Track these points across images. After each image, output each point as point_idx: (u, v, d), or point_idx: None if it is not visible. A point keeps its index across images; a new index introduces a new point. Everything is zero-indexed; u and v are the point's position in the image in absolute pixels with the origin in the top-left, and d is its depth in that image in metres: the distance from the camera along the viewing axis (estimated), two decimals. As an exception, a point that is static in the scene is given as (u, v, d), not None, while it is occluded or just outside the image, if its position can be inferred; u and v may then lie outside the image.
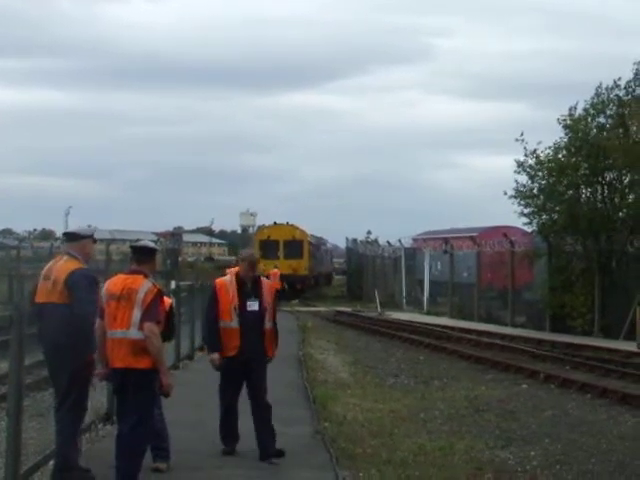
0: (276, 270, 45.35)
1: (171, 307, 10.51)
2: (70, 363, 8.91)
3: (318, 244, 66.53)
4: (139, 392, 8.72)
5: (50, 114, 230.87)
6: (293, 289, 52.26)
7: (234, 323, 10.68)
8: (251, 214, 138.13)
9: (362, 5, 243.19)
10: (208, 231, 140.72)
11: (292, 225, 55.11)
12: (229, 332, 10.72)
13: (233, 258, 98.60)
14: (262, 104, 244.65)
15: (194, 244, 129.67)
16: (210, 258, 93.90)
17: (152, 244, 9.65)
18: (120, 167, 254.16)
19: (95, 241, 10.09)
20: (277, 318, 11.14)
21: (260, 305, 10.77)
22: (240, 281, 10.90)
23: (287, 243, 52.69)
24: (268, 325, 10.82)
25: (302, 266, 52.00)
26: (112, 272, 14.81)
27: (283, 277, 48.10)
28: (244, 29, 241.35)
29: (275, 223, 55.66)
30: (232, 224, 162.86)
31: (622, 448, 13.76)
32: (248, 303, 10.75)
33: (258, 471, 9.70)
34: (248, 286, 10.89)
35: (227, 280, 11.00)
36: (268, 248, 49.15)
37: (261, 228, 57.80)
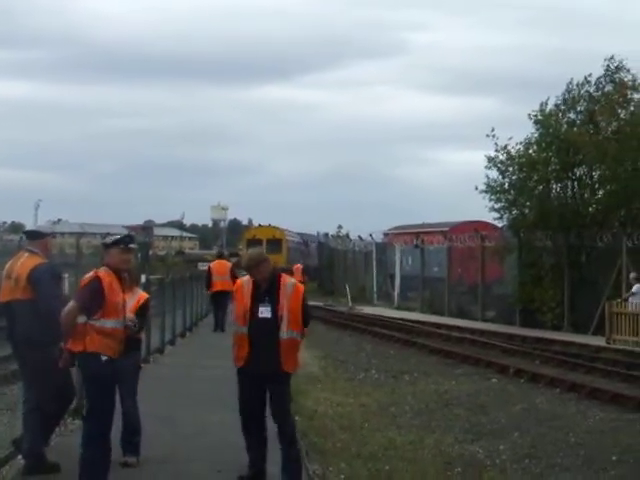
0: (299, 265, 48.88)
1: (146, 301, 10.50)
2: (41, 358, 8.89)
3: (303, 241, 75.03)
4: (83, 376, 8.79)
5: (20, 106, 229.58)
6: None
7: (244, 329, 9.21)
8: (222, 208, 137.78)
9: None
10: (179, 225, 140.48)
11: (273, 226, 66.60)
12: (240, 338, 9.27)
13: (204, 252, 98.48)
14: (235, 97, 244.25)
15: (165, 238, 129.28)
16: (181, 252, 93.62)
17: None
18: (90, 160, 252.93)
19: (54, 237, 10.12)
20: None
21: (274, 311, 9.13)
22: (255, 282, 9.33)
23: (269, 241, 61.30)
24: (285, 335, 9.11)
25: (281, 260, 56.95)
26: (83, 266, 14.71)
27: None
28: (218, 22, 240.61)
29: (260, 225, 67.82)
30: (203, 218, 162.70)
31: (590, 442, 13.85)
32: (260, 309, 9.18)
33: (228, 465, 9.67)
34: (262, 288, 9.25)
35: (244, 281, 9.51)
36: (254, 245, 52.20)
37: (248, 229, 71.14)
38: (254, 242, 56.45)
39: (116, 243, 8.84)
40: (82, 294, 8.55)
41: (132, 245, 8.96)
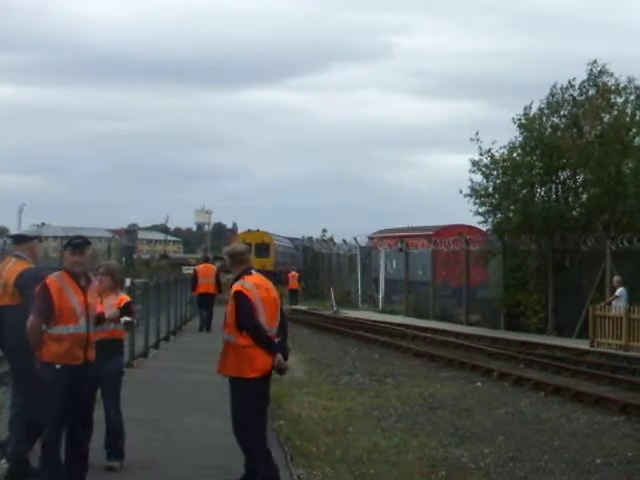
0: (294, 272, 53.67)
1: (127, 304, 10.48)
2: (29, 363, 8.86)
3: (295, 245, 78.29)
4: None
5: (2, 109, 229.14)
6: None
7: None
8: (206, 212, 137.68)
9: (323, 2, 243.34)
10: (163, 228, 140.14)
11: (262, 232, 69.46)
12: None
13: (188, 256, 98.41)
14: (220, 101, 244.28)
15: (149, 241, 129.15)
16: (165, 256, 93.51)
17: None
18: (74, 163, 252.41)
19: (41, 240, 10.07)
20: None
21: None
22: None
23: (258, 245, 63.41)
24: (224, 337, 9.22)
25: (269, 263, 62.70)
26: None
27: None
28: (203, 25, 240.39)
29: (249, 230, 70.70)
30: (187, 221, 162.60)
31: (574, 445, 13.88)
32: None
33: (212, 469, 9.66)
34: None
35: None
36: None
37: (239, 234, 73.45)
38: None
39: (67, 245, 8.75)
40: (35, 304, 8.39)
41: (83, 246, 8.83)
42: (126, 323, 10.21)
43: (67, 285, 8.47)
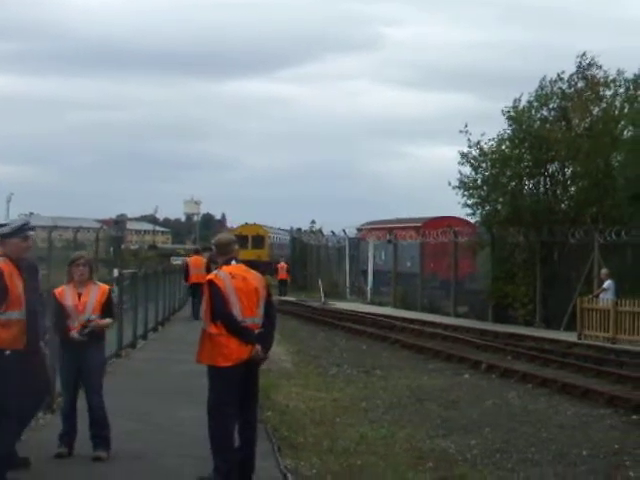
0: (283, 263, 54.95)
1: (109, 293, 10.48)
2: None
3: (292, 237, 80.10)
4: None
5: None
6: (257, 270, 55.34)
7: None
8: (195, 202, 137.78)
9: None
10: (152, 219, 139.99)
11: (257, 225, 73.64)
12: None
13: (177, 246, 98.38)
14: (210, 91, 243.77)
15: (138, 232, 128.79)
16: (154, 246, 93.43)
17: None
18: (63, 153, 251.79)
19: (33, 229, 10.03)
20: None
21: None
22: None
23: (253, 237, 69.23)
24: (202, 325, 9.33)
25: (264, 254, 66.82)
26: (55, 259, 14.69)
27: (250, 262, 51.18)
28: (195, 14, 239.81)
29: (246, 223, 74.18)
30: (176, 212, 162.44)
31: (561, 437, 13.93)
32: None
33: (201, 460, 9.66)
34: None
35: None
36: (241, 241, 61.94)
37: (236, 227, 75.78)
38: (241, 238, 60.94)
39: (16, 232, 8.67)
40: None
41: (31, 232, 8.86)
42: (86, 334, 10.14)
43: (14, 271, 8.45)
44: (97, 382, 10.30)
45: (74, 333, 10.00)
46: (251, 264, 10.60)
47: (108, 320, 10.37)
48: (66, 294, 10.19)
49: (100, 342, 10.49)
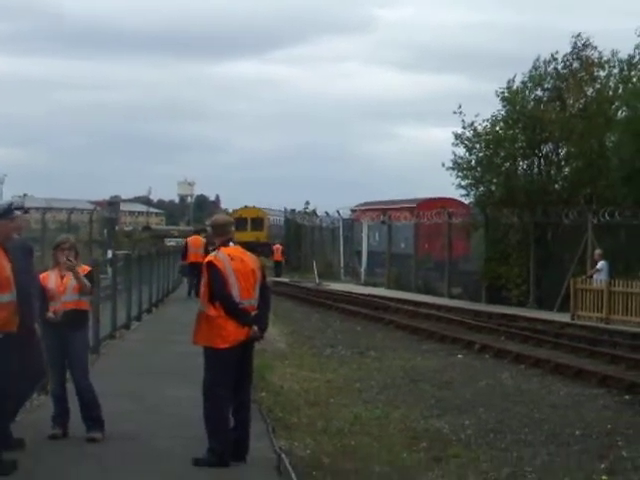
0: (278, 245, 56.40)
1: (90, 272, 10.48)
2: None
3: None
4: None
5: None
6: (255, 251, 55.51)
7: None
8: (189, 183, 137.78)
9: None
10: (146, 200, 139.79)
11: (256, 207, 75.72)
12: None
13: (171, 228, 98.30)
14: (203, 72, 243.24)
15: (131, 213, 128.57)
16: (147, 227, 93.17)
17: None
18: (56, 134, 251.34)
19: (27, 211, 10.05)
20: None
21: None
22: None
23: (252, 220, 71.64)
24: (199, 307, 9.40)
25: (262, 235, 69.03)
26: (48, 241, 14.67)
27: (250, 243, 51.25)
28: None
29: (245, 206, 76.39)
30: (170, 193, 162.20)
31: (554, 417, 13.97)
32: None
33: (195, 441, 9.68)
34: None
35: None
36: (240, 223, 64.75)
37: (236, 210, 77.46)
38: (241, 221, 66.34)
39: (3, 214, 8.64)
40: None
41: (18, 213, 8.86)
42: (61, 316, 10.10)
43: (2, 254, 8.45)
44: (82, 365, 10.27)
45: (50, 313, 9.96)
46: (248, 245, 10.68)
47: (87, 283, 10.21)
48: (50, 278, 10.15)
49: (83, 325, 10.45)
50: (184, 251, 32.37)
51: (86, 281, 10.16)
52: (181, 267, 35.08)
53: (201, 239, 31.45)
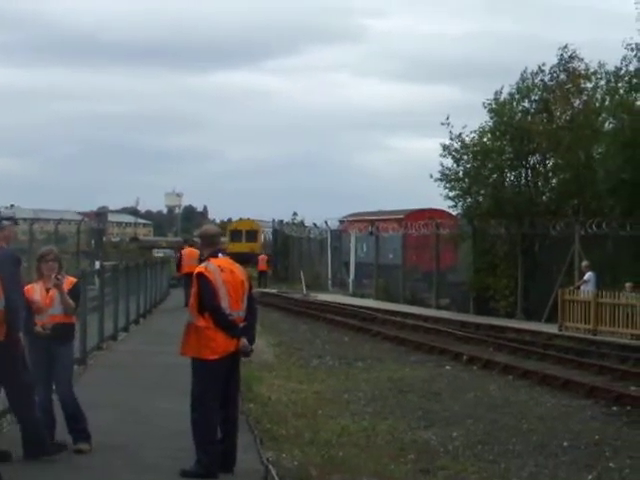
0: (263, 255, 58.08)
1: (75, 285, 10.40)
2: None
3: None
4: None
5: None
6: (244, 260, 56.60)
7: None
8: (177, 194, 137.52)
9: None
10: (133, 211, 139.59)
11: (251, 220, 77.55)
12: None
13: (159, 239, 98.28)
14: (190, 82, 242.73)
15: (119, 224, 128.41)
16: (135, 238, 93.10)
17: None
18: (44, 145, 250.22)
19: (16, 223, 10.06)
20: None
21: None
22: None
23: (247, 232, 73.16)
24: (187, 318, 9.34)
25: (256, 247, 69.57)
26: (36, 252, 14.61)
27: (244, 255, 51.73)
28: (176, 5, 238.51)
29: (240, 219, 79.35)
30: (158, 204, 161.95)
31: (542, 428, 13.99)
32: None
33: (181, 452, 9.66)
34: None
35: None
36: (235, 235, 71.66)
37: (232, 222, 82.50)
38: (236, 233, 72.26)
39: None
40: None
41: (6, 223, 8.86)
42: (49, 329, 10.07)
43: None
44: (68, 378, 10.23)
45: (38, 327, 9.91)
46: (243, 256, 10.70)
47: (71, 303, 10.17)
48: (35, 291, 10.08)
49: (70, 339, 10.41)
50: (179, 262, 32.88)
51: (70, 301, 10.10)
52: (172, 279, 35.93)
53: (196, 251, 31.43)
